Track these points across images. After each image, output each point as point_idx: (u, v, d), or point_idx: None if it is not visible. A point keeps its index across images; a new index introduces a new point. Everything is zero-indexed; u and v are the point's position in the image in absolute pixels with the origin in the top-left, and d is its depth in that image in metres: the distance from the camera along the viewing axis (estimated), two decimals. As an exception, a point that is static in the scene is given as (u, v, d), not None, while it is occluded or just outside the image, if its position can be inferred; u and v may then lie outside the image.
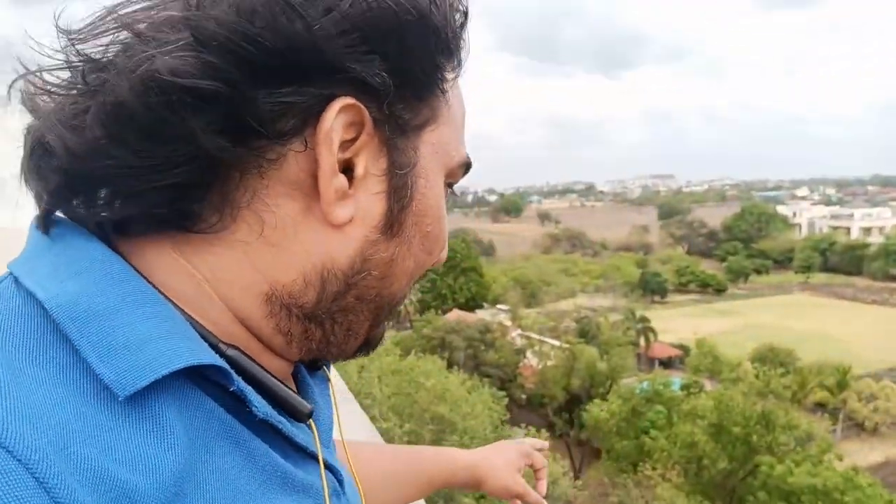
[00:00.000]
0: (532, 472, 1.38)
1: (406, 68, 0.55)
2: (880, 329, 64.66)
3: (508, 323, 49.08)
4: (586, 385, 37.94)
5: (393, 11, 0.52)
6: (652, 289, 78.83)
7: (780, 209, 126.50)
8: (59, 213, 0.54)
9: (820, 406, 41.49)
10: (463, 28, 0.60)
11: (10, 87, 0.54)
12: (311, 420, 0.61)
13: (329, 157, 0.53)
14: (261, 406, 0.54)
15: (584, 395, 37.02)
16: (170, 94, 0.47)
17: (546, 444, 1.44)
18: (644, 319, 52.22)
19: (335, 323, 0.59)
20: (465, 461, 1.26)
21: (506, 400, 31.05)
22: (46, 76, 0.52)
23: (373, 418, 21.60)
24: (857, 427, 40.44)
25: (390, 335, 40.95)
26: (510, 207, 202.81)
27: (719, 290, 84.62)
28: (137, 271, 0.52)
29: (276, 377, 0.58)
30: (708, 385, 36.69)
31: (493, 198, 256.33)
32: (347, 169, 0.56)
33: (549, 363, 39.43)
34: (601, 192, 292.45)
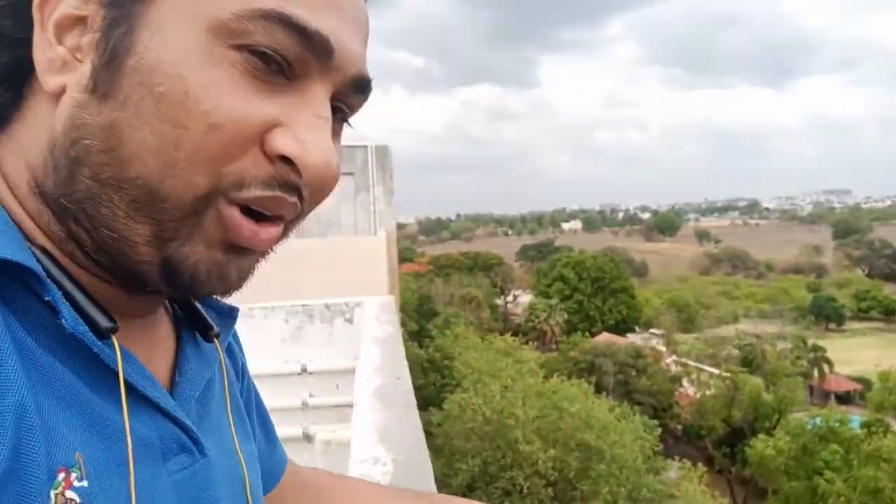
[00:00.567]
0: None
1: None
2: None
3: (662, 348, 46.88)
4: (749, 418, 35.18)
5: None
6: (826, 315, 71.92)
7: None
8: None
9: None
10: None
11: None
12: (118, 343, 0.55)
13: (37, 14, 0.51)
14: (70, 318, 0.51)
15: (746, 429, 34.37)
16: None
17: None
18: (817, 348, 47.73)
19: (89, 217, 0.53)
20: None
21: (659, 430, 29.41)
22: None
23: (516, 441, 21.21)
24: None
25: (535, 356, 40.53)
26: (664, 226, 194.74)
27: (908, 318, 75.53)
28: None
29: (85, 290, 0.54)
30: (894, 425, 32.82)
31: (645, 215, 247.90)
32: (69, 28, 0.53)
33: (708, 392, 37.07)
34: (766, 208, 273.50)
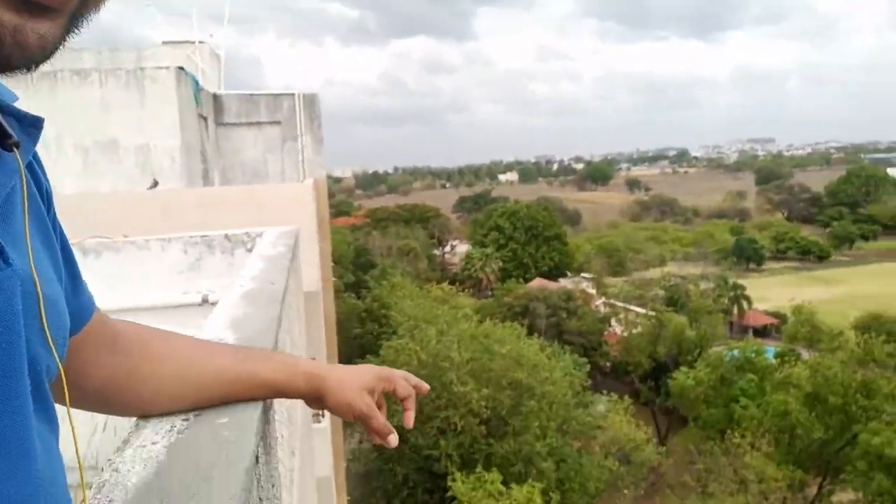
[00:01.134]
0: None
1: None
2: None
3: (593, 291, 48.43)
4: (673, 353, 37.10)
5: None
6: (747, 256, 75.50)
7: (892, 171, 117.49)
8: None
9: (932, 377, 38.84)
10: None
11: None
12: None
13: None
14: None
15: (670, 363, 36.24)
16: None
17: (426, 386, 1.37)
18: (738, 287, 50.25)
19: None
20: (307, 368, 1.20)
21: (588, 367, 30.81)
22: None
23: (450, 382, 21.96)
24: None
25: (470, 303, 41.40)
26: (597, 175, 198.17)
27: (821, 258, 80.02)
28: None
29: None
30: (805, 354, 35.12)
31: (579, 166, 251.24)
32: None
33: (635, 331, 38.75)
34: (695, 157, 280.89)
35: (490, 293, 55.74)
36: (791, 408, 26.64)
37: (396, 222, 77.85)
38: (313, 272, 8.57)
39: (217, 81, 14.48)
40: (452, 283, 52.36)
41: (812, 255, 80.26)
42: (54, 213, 0.81)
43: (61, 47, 0.57)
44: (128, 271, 4.13)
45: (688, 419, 32.26)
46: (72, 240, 0.89)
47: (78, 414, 0.83)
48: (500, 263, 62.48)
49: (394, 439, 1.25)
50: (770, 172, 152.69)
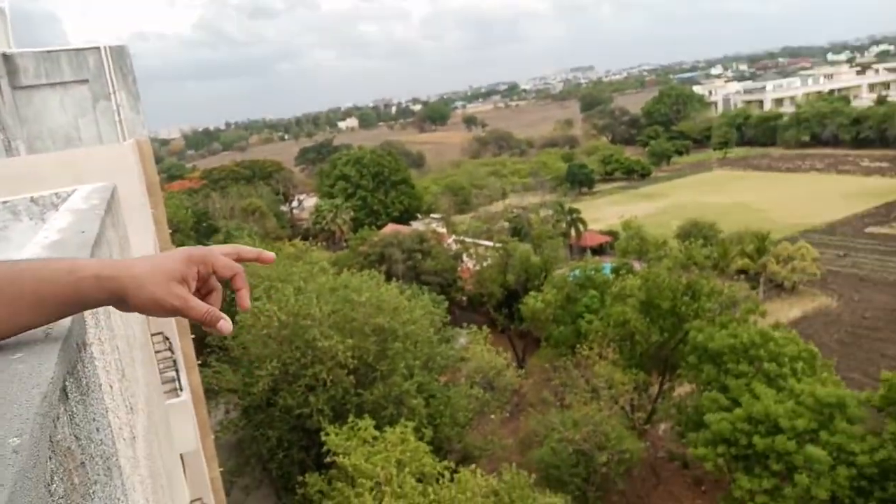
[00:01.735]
0: None
1: None
2: (795, 194, 68.23)
3: (443, 230, 49.46)
4: (522, 280, 39.00)
5: None
6: (579, 181, 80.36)
7: (697, 89, 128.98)
8: None
9: (742, 272, 44.01)
10: None
11: None
12: None
13: None
14: None
15: (521, 290, 38.10)
16: None
17: (268, 255, 1.23)
18: (573, 211, 53.46)
19: None
20: (93, 270, 1.03)
21: (446, 303, 31.65)
22: None
23: (314, 339, 21.68)
24: (778, 288, 43.18)
25: (326, 256, 40.91)
26: (435, 115, 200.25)
27: (644, 175, 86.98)
28: None
29: None
30: (638, 266, 38.14)
31: (417, 107, 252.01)
32: None
33: (486, 264, 40.18)
34: (524, 90, 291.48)
35: (344, 244, 55.28)
36: (629, 316, 28.99)
37: (236, 181, 74.34)
38: (147, 240, 7.95)
39: (5, 39, 12.77)
40: (305, 238, 51.26)
41: (636, 174, 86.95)
42: None
43: None
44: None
45: (541, 340, 34.28)
46: None
47: None
48: (352, 213, 61.96)
49: (225, 325, 1.13)
50: (593, 99, 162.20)
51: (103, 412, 1.35)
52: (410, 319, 23.80)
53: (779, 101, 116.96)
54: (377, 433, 19.19)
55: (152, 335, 8.05)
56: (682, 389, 29.00)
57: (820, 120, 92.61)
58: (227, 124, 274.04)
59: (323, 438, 19.55)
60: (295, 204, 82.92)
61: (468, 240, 43.93)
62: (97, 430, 1.21)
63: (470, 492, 17.15)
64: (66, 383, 1.00)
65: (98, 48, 12.42)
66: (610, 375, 26.92)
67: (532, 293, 34.65)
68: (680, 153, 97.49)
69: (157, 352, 8.10)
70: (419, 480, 17.97)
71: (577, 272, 35.01)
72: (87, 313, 1.32)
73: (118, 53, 12.72)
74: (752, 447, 20.61)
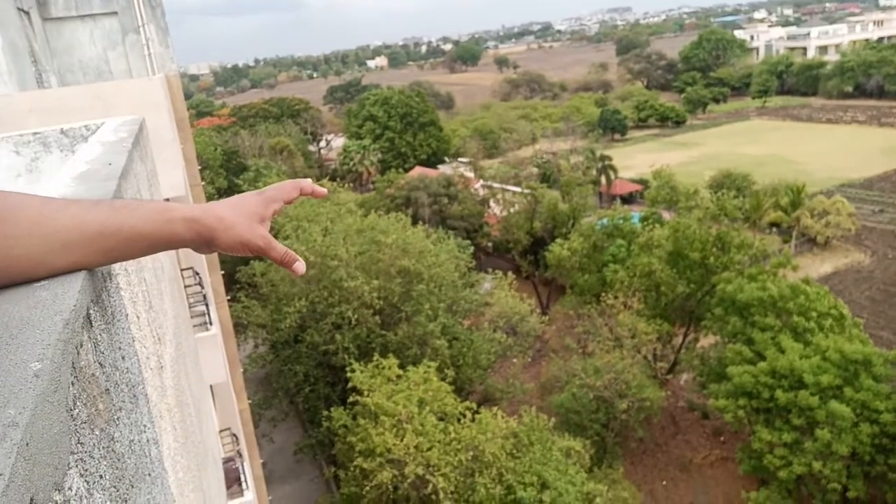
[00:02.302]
0: None
1: None
2: (834, 147, 66.19)
3: (471, 175, 49.12)
4: (549, 227, 38.78)
5: None
6: (612, 127, 78.75)
7: (738, 34, 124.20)
8: None
9: (775, 225, 43.21)
10: None
11: None
12: None
13: None
14: None
15: (547, 237, 37.92)
16: None
17: (324, 190, 1.29)
18: (604, 158, 52.56)
19: None
20: (185, 213, 1.09)
21: (472, 248, 31.71)
22: None
23: (340, 279, 21.94)
24: (811, 242, 42.38)
25: (353, 198, 40.99)
26: (466, 56, 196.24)
27: (678, 123, 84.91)
28: None
29: None
30: (667, 216, 37.62)
31: (448, 46, 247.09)
32: None
33: (513, 210, 39.97)
34: (558, 31, 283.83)
35: (371, 186, 55.26)
36: (655, 267, 28.79)
37: (265, 119, 74.23)
38: (177, 175, 7.98)
39: (34, -31, 12.65)
40: (332, 178, 51.34)
41: (670, 121, 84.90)
42: None
43: None
44: (-49, 186, 3.59)
45: (566, 287, 34.27)
46: None
47: None
48: (379, 155, 61.69)
49: (300, 266, 1.18)
50: (629, 42, 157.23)
51: (129, 341, 1.35)
52: (436, 263, 23.93)
53: (823, 49, 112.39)
54: (400, 372, 19.57)
55: (182, 270, 8.18)
56: (706, 341, 28.93)
57: (865, 69, 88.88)
58: (256, 61, 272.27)
59: (348, 375, 19.98)
60: (323, 144, 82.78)
61: (496, 185, 43.62)
62: (123, 358, 1.21)
63: (490, 432, 17.50)
64: (91, 311, 1.00)
65: (127, -21, 12.28)
66: (633, 325, 26.91)
67: (558, 241, 34.46)
68: (717, 101, 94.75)
69: (187, 286, 8.24)
70: (440, 419, 18.37)
71: (605, 221, 34.65)
72: None
73: (147, -16, 12.57)
74: (773, 401, 20.60)
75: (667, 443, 27.04)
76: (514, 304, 27.35)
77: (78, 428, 0.79)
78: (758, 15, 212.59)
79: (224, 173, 49.60)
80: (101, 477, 0.86)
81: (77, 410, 0.80)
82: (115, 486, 0.92)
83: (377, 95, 72.18)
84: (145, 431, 1.28)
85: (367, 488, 17.33)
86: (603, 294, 29.02)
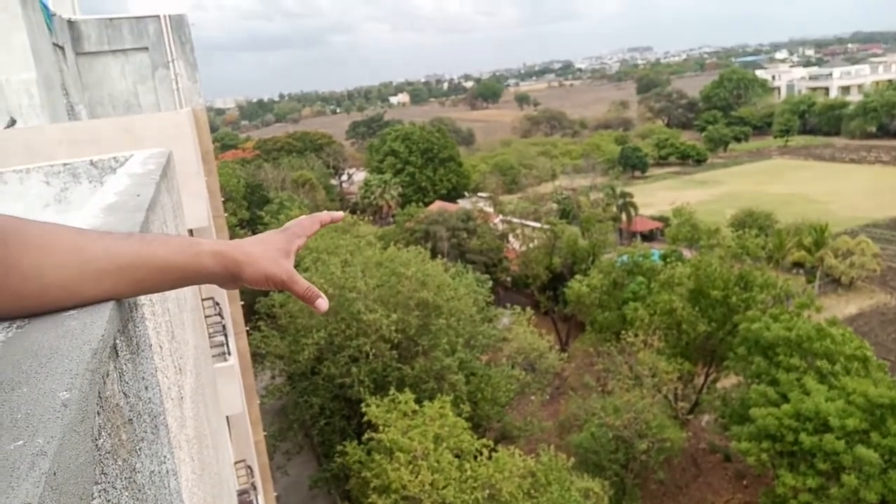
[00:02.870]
0: None
1: None
2: (857, 187, 65.53)
3: (490, 209, 49.27)
4: (568, 262, 38.64)
5: None
6: (632, 164, 78.79)
7: (759, 73, 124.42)
8: None
9: (798, 265, 42.65)
10: None
11: None
12: None
13: None
14: None
15: (566, 273, 37.76)
16: None
17: (340, 214, 1.33)
18: (625, 195, 52.50)
19: None
20: (213, 247, 1.12)
21: (490, 283, 31.62)
22: None
23: (359, 311, 21.94)
24: (835, 283, 41.73)
25: (373, 231, 41.25)
26: (487, 93, 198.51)
27: (699, 161, 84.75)
28: None
29: None
30: (687, 254, 37.37)
31: (469, 84, 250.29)
32: None
33: (532, 245, 39.93)
34: (579, 69, 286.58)
35: (391, 220, 55.60)
36: (676, 305, 28.47)
37: (289, 153, 75.37)
38: (200, 207, 8.09)
39: (70, 6, 13.07)
40: (353, 212, 51.76)
41: (691, 159, 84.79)
42: None
43: None
44: (-17, 211, 3.66)
45: (585, 324, 33.98)
46: None
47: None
48: (400, 189, 62.20)
49: (322, 303, 1.20)
50: (650, 81, 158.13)
51: (153, 371, 1.37)
52: (455, 296, 23.87)
53: (845, 89, 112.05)
54: (416, 407, 19.40)
55: (203, 300, 8.25)
56: (728, 381, 28.41)
57: (889, 110, 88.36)
58: (281, 96, 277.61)
59: (363, 409, 19.85)
60: (344, 178, 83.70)
61: (515, 220, 43.68)
62: (146, 388, 1.22)
63: (507, 471, 17.22)
64: (117, 341, 1.01)
65: (158, 17, 12.63)
66: (654, 363, 26.52)
67: (578, 277, 34.29)
68: (738, 140, 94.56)
69: (207, 316, 8.29)
70: (456, 456, 18.13)
71: (625, 257, 34.46)
72: None
73: (178, 22, 12.92)
74: (798, 444, 20.08)
75: (688, 485, 26.39)
76: (532, 340, 27.13)
77: (102, 458, 0.80)
78: (779, 55, 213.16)
79: (246, 205, 50.23)
80: (122, 507, 0.85)
81: (102, 440, 0.81)
82: (135, 517, 0.92)
83: (399, 131, 73.09)
84: (165, 462, 1.28)
85: (382, 525, 17.07)
86: (623, 332, 28.69)
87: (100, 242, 1.02)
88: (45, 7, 9.87)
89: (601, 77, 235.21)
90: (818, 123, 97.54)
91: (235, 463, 9.40)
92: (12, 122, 8.28)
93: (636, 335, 27.97)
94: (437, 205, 52.41)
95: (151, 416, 1.21)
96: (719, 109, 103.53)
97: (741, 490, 25.77)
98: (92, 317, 0.98)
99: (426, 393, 21.35)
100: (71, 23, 11.56)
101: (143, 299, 1.41)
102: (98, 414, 0.81)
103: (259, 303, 27.96)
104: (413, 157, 66.95)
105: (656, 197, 63.17)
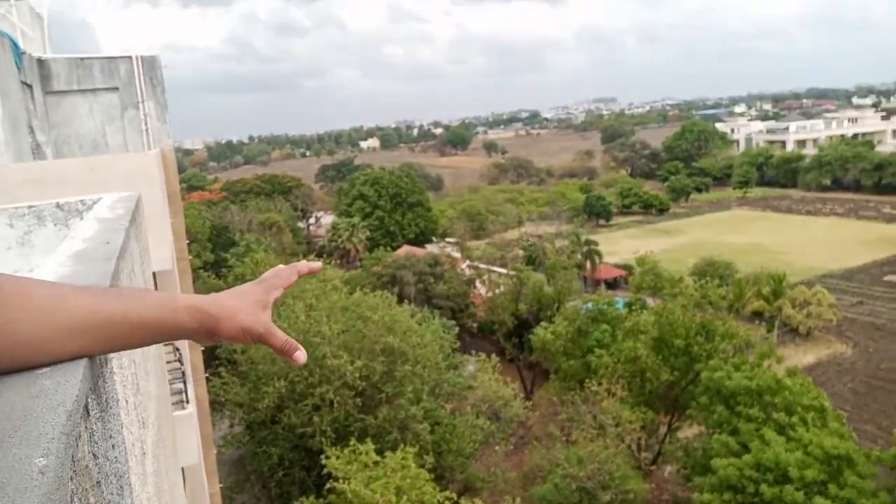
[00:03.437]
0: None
1: None
2: (814, 238, 67.61)
3: (457, 255, 49.45)
4: (534, 309, 38.79)
5: None
6: (597, 213, 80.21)
7: (719, 126, 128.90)
8: None
9: (757, 315, 43.50)
10: None
11: None
12: None
13: None
14: None
15: (532, 320, 37.86)
16: None
17: (318, 264, 1.32)
18: (589, 242, 53.26)
19: None
20: (187, 302, 1.11)
21: (456, 329, 31.54)
22: None
23: (323, 357, 21.62)
24: (793, 332, 42.60)
25: (339, 274, 40.98)
26: (456, 140, 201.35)
27: (662, 210, 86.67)
28: None
29: None
30: (651, 302, 37.82)
31: (438, 130, 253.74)
32: None
33: (498, 291, 40.05)
34: (546, 118, 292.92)
35: (359, 263, 55.40)
36: (640, 353, 28.68)
37: (256, 195, 75.00)
38: (165, 250, 8.00)
39: (41, 44, 13.03)
40: (319, 255, 51.55)
41: (654, 209, 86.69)
42: None
43: None
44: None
45: (550, 372, 33.96)
46: None
47: None
48: (368, 233, 62.17)
49: (301, 356, 1.18)
50: (614, 131, 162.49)
51: (119, 428, 1.34)
52: (421, 343, 23.72)
53: (801, 143, 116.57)
54: (378, 458, 19.02)
55: (164, 344, 8.08)
56: (690, 431, 28.53)
57: (842, 164, 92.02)
58: (251, 138, 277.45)
59: (323, 461, 19.40)
60: (312, 220, 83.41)
61: (482, 266, 43.89)
62: (113, 447, 1.20)
63: (470, 522, 16.91)
64: (89, 400, 1.00)
65: (130, 57, 12.64)
66: (618, 413, 26.56)
67: (543, 324, 34.42)
68: (699, 190, 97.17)
69: (167, 362, 8.11)
70: (419, 508, 17.74)
71: (589, 305, 34.76)
72: None
73: (149, 63, 12.93)
74: (759, 495, 20.17)
75: (652, 537, 26.18)
76: (497, 388, 26.97)
77: None
78: (738, 109, 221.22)
79: (211, 247, 49.60)
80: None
81: None
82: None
83: (368, 175, 73.47)
84: (128, 524, 1.26)
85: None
86: (587, 380, 28.75)
87: (75, 298, 1.01)
88: (14, 45, 9.83)
89: (567, 126, 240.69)
90: (775, 175, 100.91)
91: (191, 515, 9.08)
92: (-26, 161, 8.15)
93: (600, 383, 28.03)
94: (405, 249, 52.46)
95: (117, 477, 1.19)
96: (681, 160, 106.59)
97: (705, 541, 25.62)
98: (65, 375, 0.96)
99: (389, 444, 20.97)
100: (41, 61, 11.51)
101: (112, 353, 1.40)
102: (71, 479, 0.80)
103: (220, 348, 27.41)
104: (382, 201, 67.20)
105: (620, 245, 64.22)
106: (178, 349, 8.77)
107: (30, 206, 3.56)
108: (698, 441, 26.06)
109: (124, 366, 1.66)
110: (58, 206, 3.60)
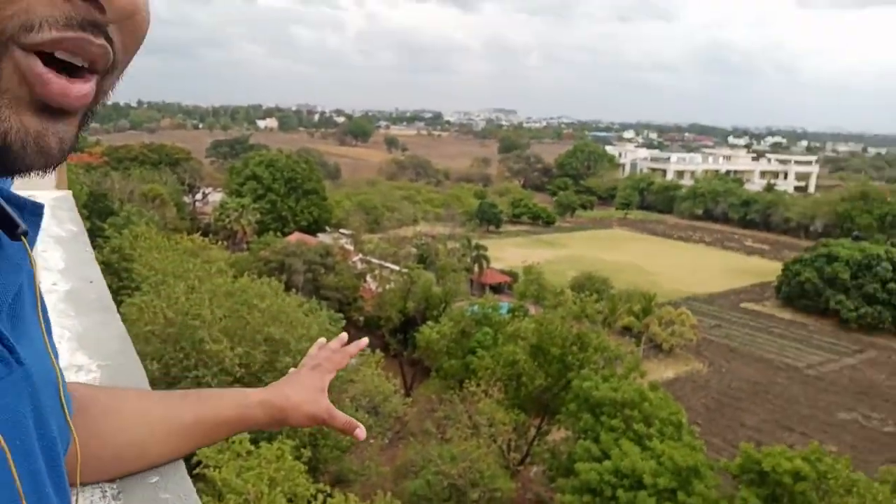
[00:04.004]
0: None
1: None
2: (683, 262, 72.60)
3: (350, 247, 49.19)
4: (421, 308, 39.31)
5: None
6: (488, 219, 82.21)
7: (609, 149, 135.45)
8: None
9: (627, 330, 46.28)
10: None
11: None
12: None
13: None
14: None
15: (419, 318, 38.38)
16: None
17: (345, 336, 1.45)
18: (479, 247, 54.56)
19: None
20: (258, 398, 1.19)
21: (343, 322, 31.42)
22: None
23: (201, 341, 21.00)
24: (657, 348, 45.65)
25: (224, 256, 39.68)
26: (358, 131, 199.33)
27: (548, 223, 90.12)
28: None
29: None
30: (533, 310, 39.33)
31: (340, 119, 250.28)
32: None
33: (388, 287, 40.26)
34: (448, 121, 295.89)
35: (246, 246, 53.83)
36: (519, 357, 29.85)
37: (141, 164, 71.07)
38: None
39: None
40: (205, 234, 49.52)
41: (541, 221, 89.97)
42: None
43: (75, 147, 0.56)
44: None
45: (431, 370, 34.59)
46: None
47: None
48: (258, 215, 60.47)
49: (361, 433, 1.29)
50: (511, 142, 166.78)
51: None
52: (306, 335, 23.50)
53: (680, 174, 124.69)
54: (252, 448, 18.71)
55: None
56: (558, 435, 30.00)
57: (714, 196, 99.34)
58: (140, 102, 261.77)
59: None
60: (199, 197, 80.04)
61: (374, 260, 43.95)
62: None
63: (341, 516, 17.02)
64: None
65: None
66: (492, 414, 27.50)
67: (429, 323, 35.01)
68: (584, 207, 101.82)
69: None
70: (290, 501, 17.63)
71: (475, 308, 35.72)
72: None
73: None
74: (615, 499, 21.63)
75: (513, 535, 27.30)
76: (378, 383, 27.12)
77: None
78: (627, 134, 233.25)
79: (87, 213, 46.58)
80: None
81: None
82: None
83: (263, 156, 71.43)
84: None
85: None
86: (467, 380, 29.57)
87: (161, 404, 1.10)
88: None
89: (468, 132, 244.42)
90: (654, 201, 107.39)
91: None
92: None
93: (478, 384, 28.92)
94: (297, 236, 51.56)
95: None
96: (570, 177, 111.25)
97: (561, 540, 27.06)
98: (180, 486, 1.04)
99: (265, 434, 20.68)
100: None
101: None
102: None
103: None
104: (276, 184, 65.58)
105: (507, 252, 66.16)
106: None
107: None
108: (564, 445, 27.49)
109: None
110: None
